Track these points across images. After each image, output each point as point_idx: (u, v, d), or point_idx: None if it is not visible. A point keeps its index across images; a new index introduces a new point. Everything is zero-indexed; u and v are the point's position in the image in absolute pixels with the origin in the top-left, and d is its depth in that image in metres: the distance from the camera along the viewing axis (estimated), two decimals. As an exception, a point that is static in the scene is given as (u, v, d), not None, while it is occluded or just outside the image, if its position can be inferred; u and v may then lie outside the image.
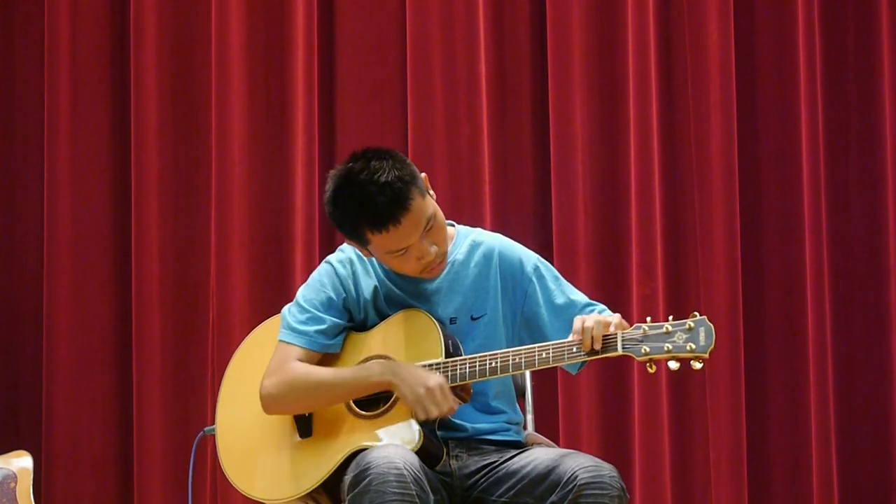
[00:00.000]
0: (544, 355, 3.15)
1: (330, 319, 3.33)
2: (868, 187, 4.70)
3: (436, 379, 3.17)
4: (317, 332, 3.32)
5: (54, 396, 5.01)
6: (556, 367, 3.25)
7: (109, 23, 5.13)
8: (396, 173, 3.18)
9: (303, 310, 3.34)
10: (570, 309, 3.32)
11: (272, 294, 4.87)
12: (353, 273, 3.37)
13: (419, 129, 4.86)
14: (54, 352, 5.03)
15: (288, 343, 3.33)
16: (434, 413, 3.15)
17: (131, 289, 5.01)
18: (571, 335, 3.15)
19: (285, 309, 3.38)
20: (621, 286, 4.70)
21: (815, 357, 4.61)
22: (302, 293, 3.37)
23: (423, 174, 3.26)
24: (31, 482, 4.31)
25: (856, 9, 4.74)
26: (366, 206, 3.18)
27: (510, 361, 3.18)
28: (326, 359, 3.34)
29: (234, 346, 3.51)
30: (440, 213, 3.27)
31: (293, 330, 3.33)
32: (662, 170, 4.71)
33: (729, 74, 4.68)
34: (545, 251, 4.66)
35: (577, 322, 3.16)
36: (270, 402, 3.30)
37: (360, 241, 3.26)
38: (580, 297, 3.36)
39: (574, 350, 3.13)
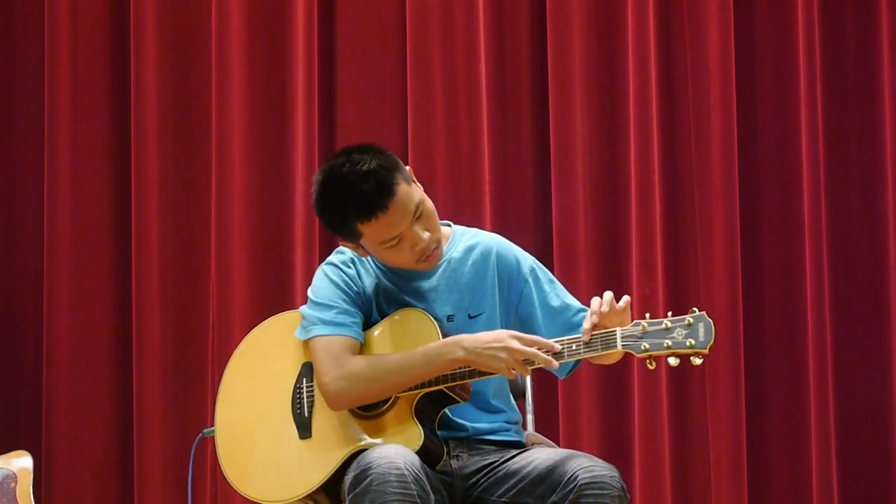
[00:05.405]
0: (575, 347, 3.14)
1: (356, 312, 3.31)
2: (868, 187, 4.70)
3: (502, 336, 3.15)
4: (353, 322, 3.29)
5: (54, 396, 5.01)
6: (556, 367, 3.26)
7: (109, 23, 5.12)
8: (378, 162, 3.19)
9: (327, 307, 3.29)
10: (565, 312, 3.33)
11: (272, 294, 4.87)
12: (357, 272, 3.36)
13: (419, 129, 4.86)
14: (54, 352, 5.02)
15: (330, 336, 3.27)
16: (528, 370, 3.16)
17: (131, 289, 5.00)
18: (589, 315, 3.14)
19: (304, 310, 3.34)
20: (621, 286, 4.69)
21: (815, 357, 4.61)
22: (316, 294, 3.33)
23: (408, 167, 3.27)
24: (31, 482, 4.30)
25: (856, 9, 4.74)
26: (352, 195, 3.17)
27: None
28: None
29: (234, 346, 3.49)
30: (429, 202, 3.26)
31: (330, 323, 3.28)
32: (662, 170, 4.71)
33: (729, 74, 4.68)
34: (545, 251, 4.67)
35: (595, 302, 3.14)
36: (339, 398, 3.23)
37: (353, 237, 3.25)
38: (574, 301, 3.36)
39: (608, 337, 3.11)
